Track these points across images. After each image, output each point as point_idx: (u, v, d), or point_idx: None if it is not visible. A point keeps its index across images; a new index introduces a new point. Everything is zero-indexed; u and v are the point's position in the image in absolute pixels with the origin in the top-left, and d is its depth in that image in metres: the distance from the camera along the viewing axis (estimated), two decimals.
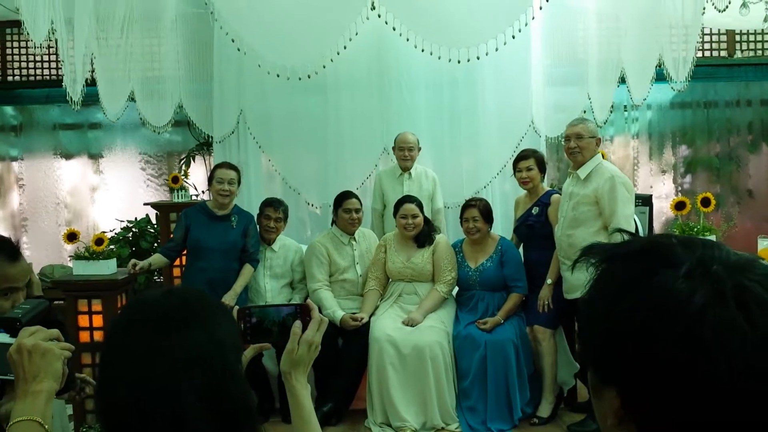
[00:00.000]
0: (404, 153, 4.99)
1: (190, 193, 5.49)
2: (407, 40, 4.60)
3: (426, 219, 4.58)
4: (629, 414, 0.74)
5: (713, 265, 0.72)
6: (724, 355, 0.68)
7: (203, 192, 5.75)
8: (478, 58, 4.59)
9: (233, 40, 4.87)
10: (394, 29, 4.57)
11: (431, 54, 4.63)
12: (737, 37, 6.57)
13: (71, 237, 4.04)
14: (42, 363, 1.27)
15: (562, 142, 4.34)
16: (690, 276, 0.71)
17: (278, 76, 4.91)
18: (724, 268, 0.71)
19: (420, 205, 4.52)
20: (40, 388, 1.27)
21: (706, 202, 4.03)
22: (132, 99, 5.08)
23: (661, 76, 4.88)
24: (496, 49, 4.53)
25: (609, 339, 0.74)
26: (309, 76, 4.90)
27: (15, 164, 6.92)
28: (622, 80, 5.18)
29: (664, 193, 6.82)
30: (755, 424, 0.68)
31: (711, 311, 0.69)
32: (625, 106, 6.61)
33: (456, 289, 4.59)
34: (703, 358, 0.68)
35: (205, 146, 5.99)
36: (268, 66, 4.94)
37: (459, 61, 4.62)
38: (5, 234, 6.05)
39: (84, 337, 3.84)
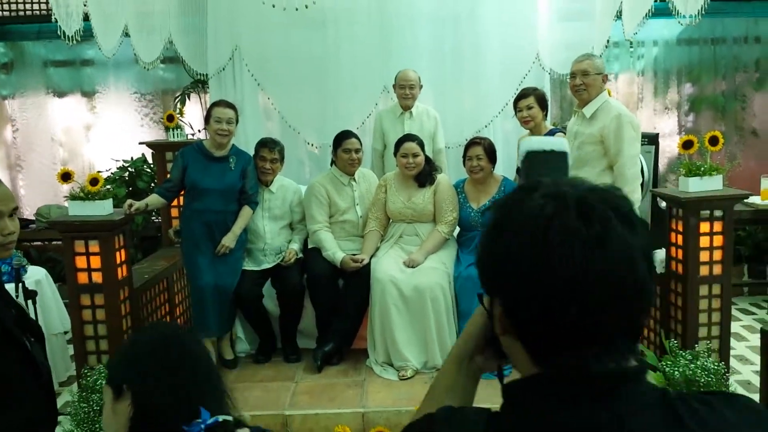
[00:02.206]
0: (405, 91, 4.87)
1: (186, 132, 5.38)
2: None
3: (427, 158, 4.49)
4: (509, 320, 0.89)
5: (564, 188, 0.88)
6: (566, 254, 0.82)
7: (199, 131, 5.64)
8: None
9: None
10: None
11: None
12: None
13: (65, 177, 3.95)
14: None
15: (567, 80, 4.23)
16: (545, 196, 0.87)
17: (274, 6, 4.74)
18: (573, 188, 0.88)
19: (421, 144, 4.43)
20: None
21: (714, 140, 3.94)
22: (126, 34, 4.93)
23: (668, 11, 4.74)
24: None
25: (490, 256, 0.91)
26: (306, 6, 4.73)
27: (6, 102, 6.78)
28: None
29: (667, 131, 6.73)
30: (591, 322, 0.83)
31: (557, 218, 0.84)
32: (631, 43, 6.45)
33: (457, 229, 4.54)
34: (551, 257, 0.83)
35: (200, 83, 5.86)
36: None
37: None
38: (3, 175, 5.95)
39: (82, 278, 3.79)
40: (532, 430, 0.86)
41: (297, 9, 4.75)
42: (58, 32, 4.31)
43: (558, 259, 0.83)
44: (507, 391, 0.91)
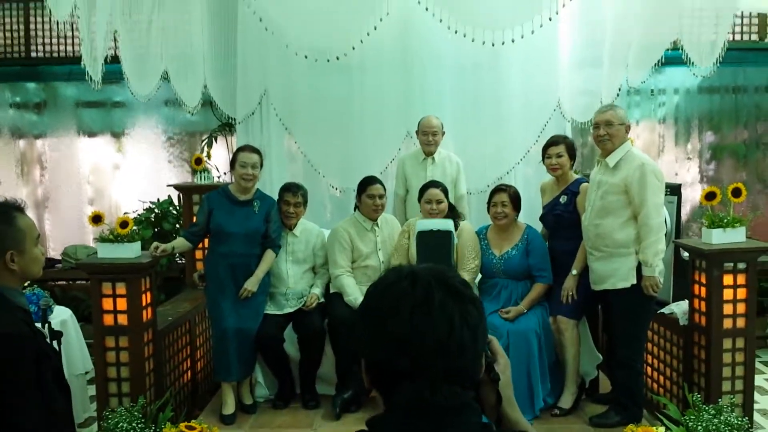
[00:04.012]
0: (428, 137, 4.93)
1: (213, 175, 5.47)
2: (440, 21, 4.52)
3: (450, 205, 4.52)
4: (367, 374, 1.12)
5: (411, 268, 1.14)
6: (395, 316, 1.06)
7: (225, 173, 5.73)
8: (512, 41, 4.54)
9: (261, 20, 4.81)
10: (426, 9, 4.50)
11: (464, 36, 4.55)
12: None
13: (96, 219, 4.03)
14: None
15: (591, 130, 4.27)
16: (392, 272, 1.14)
17: (306, 57, 4.85)
18: (421, 269, 1.12)
19: (445, 191, 4.47)
20: None
21: (737, 192, 3.93)
22: (165, 78, 5.01)
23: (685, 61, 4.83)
24: (522, 37, 4.49)
25: (359, 322, 1.14)
26: (338, 58, 4.83)
27: (38, 142, 6.94)
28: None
29: (689, 179, 6.73)
30: (421, 371, 1.05)
31: (392, 287, 1.10)
32: (652, 90, 6.50)
33: (479, 276, 4.55)
34: (386, 320, 1.07)
35: (227, 127, 5.97)
36: (296, 47, 4.88)
37: (493, 44, 4.56)
38: (30, 213, 6.09)
39: (108, 320, 3.84)
40: None
41: (328, 60, 4.85)
42: (85, 76, 4.41)
43: (390, 322, 1.06)
44: (367, 423, 1.10)
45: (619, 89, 5.33)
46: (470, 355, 1.09)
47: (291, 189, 4.52)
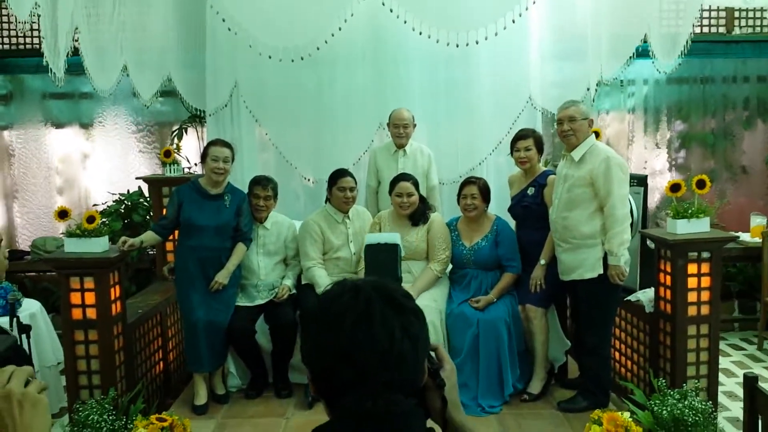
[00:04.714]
0: (399, 130, 4.95)
1: (183, 166, 5.43)
2: (405, 22, 4.54)
3: (421, 197, 4.56)
4: (312, 384, 1.15)
5: (354, 282, 1.17)
6: (338, 329, 1.09)
7: (196, 164, 5.70)
8: (479, 42, 4.56)
9: (224, 20, 4.80)
10: (391, 11, 4.51)
11: (429, 37, 4.57)
12: (736, 14, 6.52)
13: (62, 215, 3.99)
14: (34, 415, 1.17)
15: (552, 127, 4.32)
16: (336, 285, 1.18)
17: (270, 57, 4.85)
18: (364, 282, 1.16)
19: (416, 183, 4.50)
20: None
21: (701, 184, 4.00)
22: (125, 71, 5.01)
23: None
24: (496, 34, 4.51)
25: (304, 334, 1.20)
26: (302, 58, 4.84)
27: (5, 133, 6.84)
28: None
29: (658, 168, 6.82)
30: (364, 380, 1.08)
31: (341, 300, 1.13)
32: (622, 81, 6.56)
33: (450, 266, 4.59)
34: (329, 333, 1.11)
35: (197, 118, 5.92)
36: (260, 48, 4.87)
37: (457, 45, 4.58)
38: None
39: (77, 314, 3.82)
40: None
41: (293, 60, 4.85)
42: (48, 74, 4.37)
43: (333, 335, 1.10)
44: None
45: (598, 83, 5.37)
46: (411, 365, 1.13)
47: (261, 182, 4.51)
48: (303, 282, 4.58)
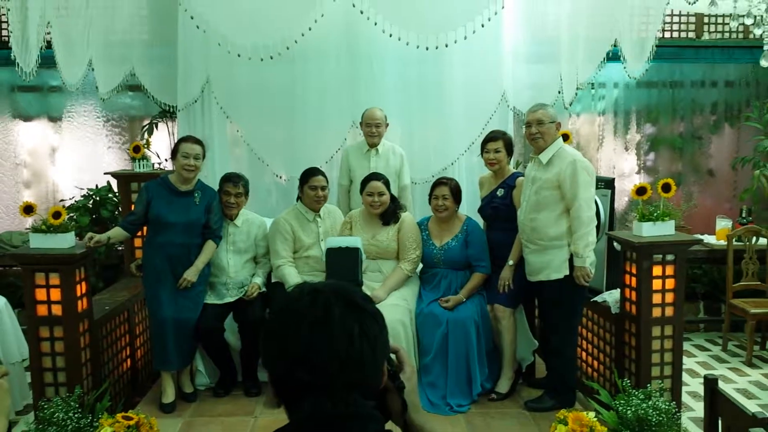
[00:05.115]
0: (371, 129, 4.96)
1: (152, 162, 5.38)
2: (375, 24, 4.55)
3: (392, 197, 4.57)
4: (272, 387, 1.15)
5: (313, 285, 1.17)
6: (299, 329, 1.10)
7: (166, 160, 5.64)
8: (446, 46, 4.59)
9: (192, 17, 4.77)
10: (361, 12, 4.51)
11: (399, 39, 4.59)
12: (705, 19, 6.63)
13: (27, 210, 3.93)
14: None
15: (523, 128, 4.36)
16: (307, 294, 1.15)
17: (239, 56, 4.83)
18: (323, 286, 1.16)
19: (387, 183, 4.51)
20: None
21: (666, 187, 4.07)
22: (90, 65, 4.96)
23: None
24: (465, 38, 4.54)
25: (262, 338, 1.17)
26: (271, 57, 4.83)
27: None
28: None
29: (627, 170, 6.91)
30: (321, 384, 1.08)
31: (299, 304, 1.13)
32: (593, 84, 6.64)
33: (420, 266, 4.61)
34: (286, 338, 1.11)
35: (168, 113, 5.87)
36: (230, 46, 4.85)
37: (427, 48, 4.60)
38: None
39: (42, 310, 3.77)
40: None
41: (262, 59, 4.84)
42: (15, 67, 4.30)
43: (291, 339, 1.10)
44: None
45: (578, 85, 5.41)
46: (370, 367, 1.13)
47: (232, 179, 4.48)
48: (273, 280, 4.57)
